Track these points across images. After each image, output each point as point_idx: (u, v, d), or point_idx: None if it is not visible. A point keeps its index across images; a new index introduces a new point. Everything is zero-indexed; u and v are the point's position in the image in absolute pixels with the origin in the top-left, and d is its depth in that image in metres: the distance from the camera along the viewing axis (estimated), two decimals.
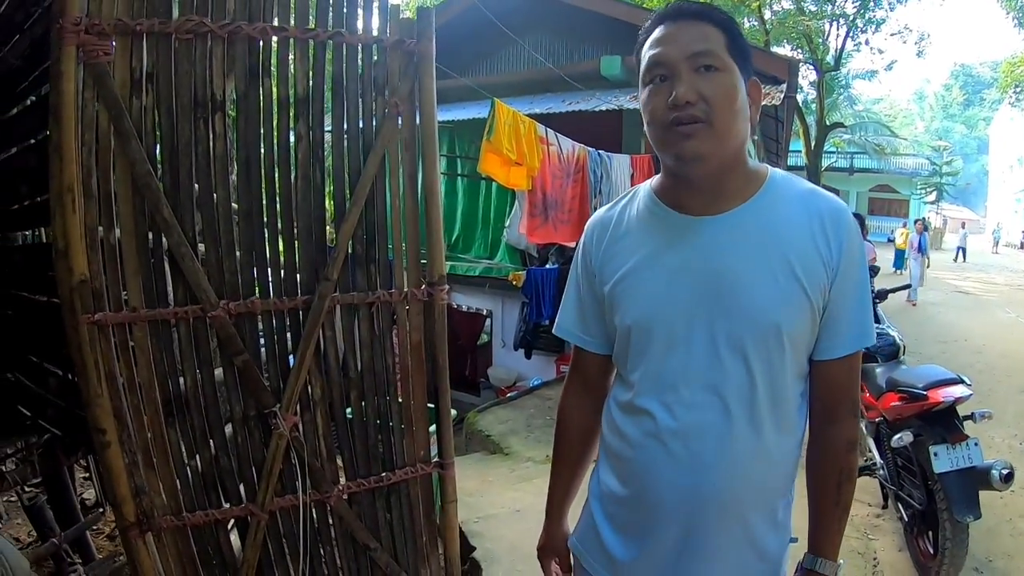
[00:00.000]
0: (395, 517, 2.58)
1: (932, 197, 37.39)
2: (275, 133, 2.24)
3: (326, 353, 2.38)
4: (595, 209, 1.58)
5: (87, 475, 4.79)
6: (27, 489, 3.89)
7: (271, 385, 2.32)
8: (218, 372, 2.27)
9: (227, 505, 2.33)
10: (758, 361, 1.29)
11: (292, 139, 2.26)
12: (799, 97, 17.94)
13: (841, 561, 1.42)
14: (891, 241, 22.72)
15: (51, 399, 3.20)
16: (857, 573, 3.61)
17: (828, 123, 23.00)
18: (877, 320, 4.87)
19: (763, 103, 6.78)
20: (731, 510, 1.34)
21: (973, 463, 3.25)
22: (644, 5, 9.27)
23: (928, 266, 16.45)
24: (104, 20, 1.96)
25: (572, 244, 7.18)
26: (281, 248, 2.30)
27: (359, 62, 2.34)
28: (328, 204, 2.37)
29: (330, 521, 2.49)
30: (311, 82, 2.26)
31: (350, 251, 2.37)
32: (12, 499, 4.30)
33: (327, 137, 2.34)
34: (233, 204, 2.22)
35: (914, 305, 13.85)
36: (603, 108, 8.30)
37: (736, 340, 1.29)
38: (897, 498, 3.84)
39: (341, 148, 2.36)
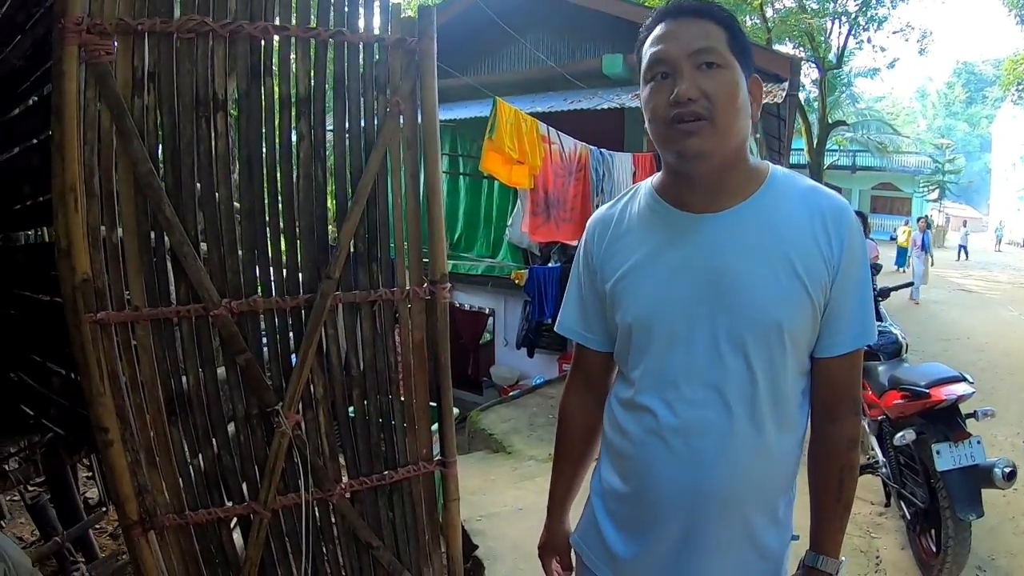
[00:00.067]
0: (397, 515, 2.58)
1: (935, 195, 37.31)
2: (277, 132, 2.24)
3: (328, 351, 2.38)
4: (597, 207, 1.58)
5: (90, 474, 4.80)
6: (30, 488, 3.90)
7: (273, 383, 2.32)
8: (220, 371, 2.28)
9: (230, 503, 2.34)
10: (759, 359, 1.30)
11: (294, 138, 2.27)
12: (801, 95, 17.94)
13: (843, 559, 1.42)
14: (893, 239, 22.69)
15: (54, 398, 3.20)
16: (860, 571, 3.61)
17: (830, 121, 22.96)
18: (879, 318, 4.88)
19: (765, 101, 6.77)
20: (732, 507, 1.34)
21: (976, 461, 3.25)
22: (646, 3, 9.26)
23: (932, 264, 16.42)
24: (106, 20, 1.97)
25: (574, 242, 7.18)
26: (283, 247, 2.30)
27: (360, 61, 2.34)
28: (330, 203, 2.37)
29: (332, 519, 2.49)
30: (312, 81, 2.26)
31: (352, 250, 2.37)
32: (15, 498, 4.31)
33: (329, 136, 2.34)
34: (235, 203, 2.22)
35: (917, 303, 13.83)
36: (605, 106, 8.30)
37: (737, 338, 1.29)
38: (900, 496, 3.83)
39: (343, 147, 2.36)
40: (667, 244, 1.37)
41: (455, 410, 2.75)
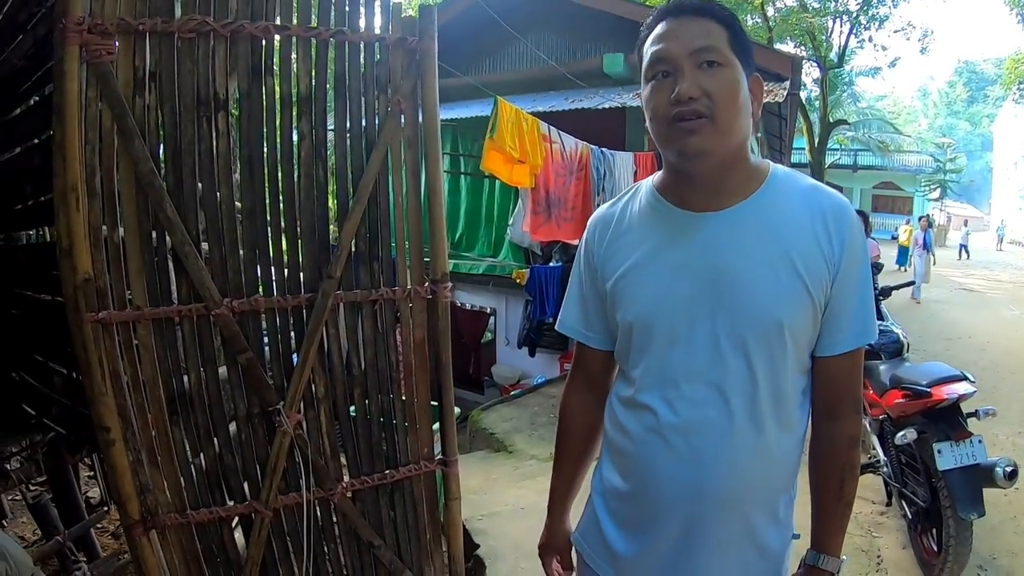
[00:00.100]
0: (399, 515, 2.58)
1: (936, 194, 37.29)
2: (278, 131, 2.24)
3: (329, 351, 2.38)
4: (598, 207, 1.58)
5: (92, 473, 4.81)
6: (32, 487, 3.90)
7: (275, 383, 2.32)
8: (222, 370, 2.28)
9: (231, 503, 2.34)
10: (760, 357, 1.30)
11: (295, 137, 2.27)
12: (802, 94, 17.92)
13: (844, 557, 1.42)
14: (895, 238, 22.67)
15: (56, 398, 3.21)
16: (861, 570, 3.61)
17: (832, 120, 22.90)
18: (881, 317, 4.87)
19: (766, 100, 6.77)
20: (732, 506, 1.34)
21: (977, 460, 3.25)
22: (647, 2, 9.26)
23: (935, 263, 16.40)
24: (107, 20, 1.97)
25: (575, 242, 7.17)
26: (284, 246, 2.30)
27: (361, 60, 2.34)
28: (331, 202, 2.37)
29: (334, 518, 2.49)
30: (313, 80, 2.26)
31: (353, 249, 2.37)
32: (17, 497, 4.31)
33: (330, 135, 2.34)
34: (236, 202, 2.22)
35: (918, 302, 13.81)
36: (606, 106, 8.29)
37: (738, 336, 1.29)
38: (901, 495, 3.83)
39: (344, 146, 2.36)
40: (668, 243, 1.37)
41: (456, 409, 2.75)
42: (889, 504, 4.24)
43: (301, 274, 2.32)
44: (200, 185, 2.16)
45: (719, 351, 1.31)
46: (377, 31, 2.35)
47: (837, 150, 32.20)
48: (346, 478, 2.51)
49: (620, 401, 1.48)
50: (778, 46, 19.18)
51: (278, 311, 2.31)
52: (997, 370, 8.13)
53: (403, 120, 2.40)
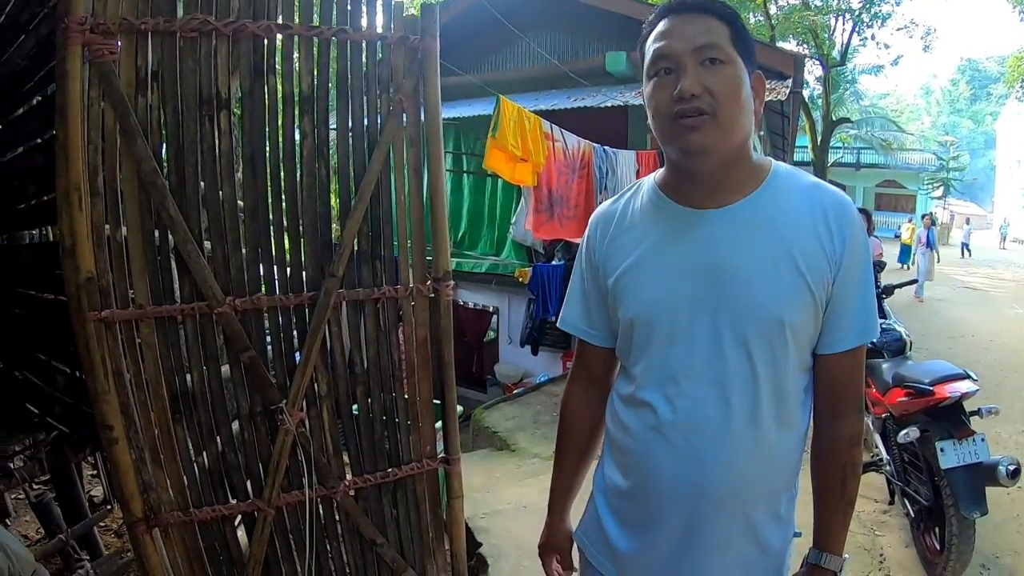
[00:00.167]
0: (401, 513, 2.58)
1: (939, 192, 37.27)
2: (280, 130, 2.25)
3: (332, 349, 2.39)
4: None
5: (95, 472, 4.81)
6: (35, 486, 3.91)
7: (277, 381, 2.32)
8: (225, 368, 2.28)
9: (234, 501, 2.34)
10: (761, 355, 1.30)
11: (297, 136, 2.27)
12: (805, 92, 17.87)
13: (846, 556, 1.42)
14: (898, 237, 22.63)
15: (59, 396, 3.21)
16: (864, 569, 3.61)
17: (834, 118, 22.87)
18: (883, 315, 4.88)
19: (769, 98, 6.75)
20: (731, 504, 1.34)
21: (979, 459, 3.25)
22: (649, 0, 9.24)
23: (938, 260, 16.39)
24: (109, 19, 1.97)
25: (578, 240, 7.14)
26: (287, 245, 2.30)
27: (363, 59, 2.34)
28: (333, 201, 2.37)
29: (336, 517, 2.49)
30: (316, 79, 2.26)
31: (356, 247, 2.37)
32: (20, 496, 4.32)
33: (332, 134, 2.34)
34: (239, 201, 2.23)
35: (921, 301, 13.79)
36: (608, 104, 8.30)
37: (739, 334, 1.29)
38: (904, 494, 3.83)
39: (346, 145, 2.36)
40: (669, 240, 1.37)
41: (459, 408, 2.75)
42: (892, 503, 4.24)
43: (303, 272, 2.33)
44: (203, 184, 2.16)
45: (720, 349, 1.31)
46: (379, 30, 2.35)
47: (840, 148, 32.16)
48: (348, 476, 2.51)
49: (621, 398, 1.48)
50: (780, 44, 19.16)
51: (280, 309, 2.31)
52: (1000, 368, 8.12)
53: (405, 119, 2.40)
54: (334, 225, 2.40)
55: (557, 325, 1.68)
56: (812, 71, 22.16)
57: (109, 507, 4.15)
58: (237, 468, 2.33)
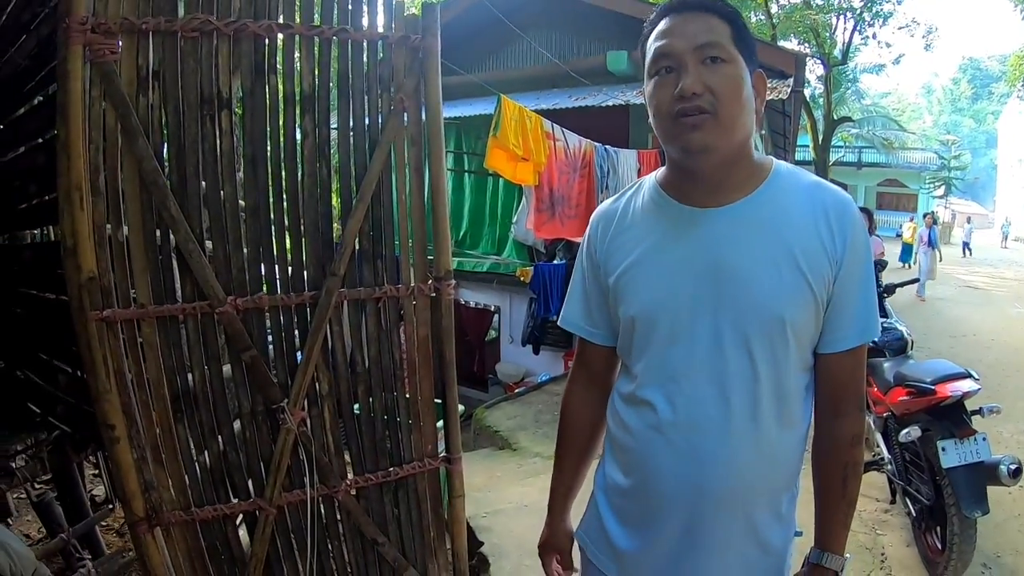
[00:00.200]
0: (403, 512, 2.58)
1: (940, 191, 37.27)
2: (281, 130, 2.25)
3: (333, 348, 2.39)
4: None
5: (96, 471, 4.82)
6: (37, 485, 3.91)
7: (279, 380, 2.32)
8: (226, 368, 2.28)
9: (235, 500, 2.34)
10: (762, 354, 1.29)
11: (298, 136, 2.27)
12: (806, 91, 17.86)
13: (847, 556, 1.42)
14: (899, 236, 22.62)
15: (60, 396, 3.21)
16: (865, 568, 3.61)
17: (836, 117, 22.85)
18: (885, 314, 4.87)
19: (770, 97, 6.75)
20: (732, 503, 1.34)
21: (981, 458, 3.25)
22: (649, 0, 9.23)
23: (940, 259, 16.39)
24: (110, 19, 1.97)
25: (579, 239, 7.15)
26: (288, 244, 2.30)
27: (364, 58, 2.34)
28: (335, 200, 2.38)
29: (338, 516, 2.50)
30: (316, 79, 2.26)
31: (357, 247, 2.38)
32: (22, 496, 4.32)
33: (333, 134, 2.34)
34: (240, 201, 2.23)
35: (923, 300, 13.79)
36: (610, 103, 8.29)
37: (740, 332, 1.29)
38: (905, 493, 3.83)
39: (347, 144, 2.36)
40: (670, 238, 1.37)
41: (460, 407, 2.75)
42: (893, 502, 4.24)
43: (305, 272, 2.33)
44: (204, 183, 2.16)
45: (721, 347, 1.31)
46: (380, 29, 2.35)
47: (841, 147, 32.15)
48: (350, 475, 2.51)
49: (622, 397, 1.48)
50: (782, 43, 19.15)
51: (282, 309, 2.31)
52: (1002, 368, 8.12)
53: (406, 118, 2.40)
54: (335, 224, 2.40)
55: (558, 323, 1.68)
56: (813, 70, 22.18)
57: (111, 506, 4.16)
58: (238, 467, 2.33)
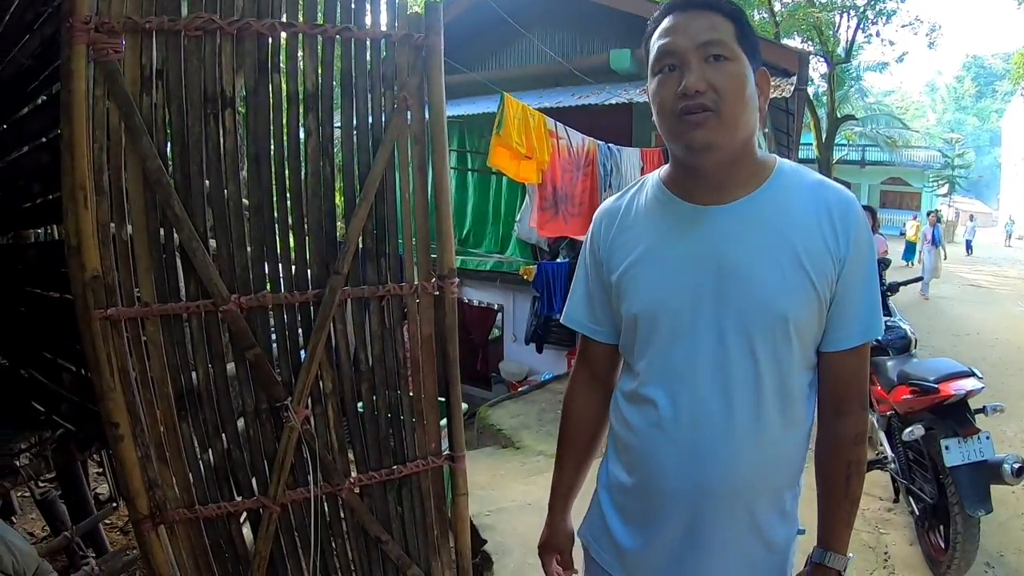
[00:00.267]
0: (406, 510, 2.59)
1: (944, 190, 37.14)
2: (284, 129, 2.25)
3: (337, 346, 2.39)
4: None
5: (100, 469, 4.83)
6: (40, 484, 3.92)
7: (283, 378, 2.33)
8: (230, 366, 2.29)
9: (239, 498, 2.35)
10: (764, 352, 1.29)
11: (302, 134, 2.27)
12: (810, 90, 17.88)
13: (851, 555, 1.42)
14: (903, 234, 22.59)
15: (65, 394, 3.22)
16: (868, 567, 3.60)
17: (839, 115, 22.85)
18: (888, 313, 4.86)
19: (774, 96, 6.75)
20: (735, 501, 1.34)
21: (984, 457, 3.24)
22: None
23: (945, 258, 16.35)
24: (113, 18, 1.98)
25: (582, 237, 7.16)
26: (292, 243, 2.31)
27: (368, 57, 2.34)
28: (338, 199, 2.38)
29: (341, 514, 2.50)
30: (320, 78, 2.26)
31: (360, 245, 2.38)
32: (25, 494, 4.34)
33: (336, 132, 2.34)
34: (244, 199, 2.23)
35: (926, 299, 13.77)
36: (613, 101, 8.29)
37: (742, 330, 1.29)
38: (908, 492, 3.82)
39: (350, 143, 2.36)
40: (673, 236, 1.36)
41: (464, 405, 2.75)
42: (896, 501, 4.23)
43: (308, 270, 2.33)
44: (207, 182, 2.17)
45: (723, 345, 1.31)
46: (383, 28, 2.35)
47: (845, 145, 32.13)
48: (354, 473, 2.51)
49: (624, 395, 1.48)
50: (785, 41, 19.16)
51: (286, 307, 2.32)
52: (1005, 366, 8.11)
53: (409, 117, 2.40)
54: (339, 223, 2.41)
55: (561, 321, 1.68)
56: (817, 68, 22.20)
57: (114, 504, 4.17)
58: (242, 465, 2.34)
